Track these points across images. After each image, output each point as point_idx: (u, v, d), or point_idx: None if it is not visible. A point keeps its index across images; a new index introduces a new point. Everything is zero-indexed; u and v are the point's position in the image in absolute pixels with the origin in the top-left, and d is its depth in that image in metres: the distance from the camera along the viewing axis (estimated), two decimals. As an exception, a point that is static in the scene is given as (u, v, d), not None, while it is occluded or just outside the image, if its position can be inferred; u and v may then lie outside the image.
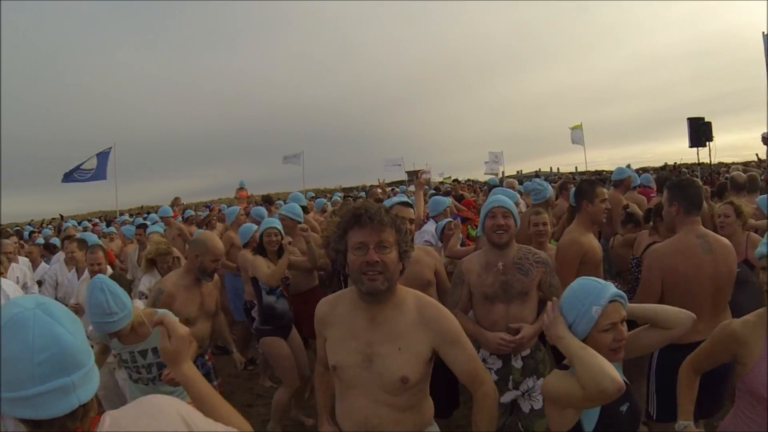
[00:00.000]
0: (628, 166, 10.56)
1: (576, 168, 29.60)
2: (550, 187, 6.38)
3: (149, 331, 3.26)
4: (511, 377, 3.33)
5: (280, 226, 5.11)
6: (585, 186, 4.08)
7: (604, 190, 4.03)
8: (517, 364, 3.34)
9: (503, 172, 30.63)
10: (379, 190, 10.35)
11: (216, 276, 4.29)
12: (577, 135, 22.67)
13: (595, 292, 2.10)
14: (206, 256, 3.96)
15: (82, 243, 5.94)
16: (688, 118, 14.67)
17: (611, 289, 2.11)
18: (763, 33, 14.01)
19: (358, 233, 2.14)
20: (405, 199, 4.16)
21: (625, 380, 2.08)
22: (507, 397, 3.30)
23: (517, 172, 36.09)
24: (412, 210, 4.01)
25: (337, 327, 2.33)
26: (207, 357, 4.26)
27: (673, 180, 4.01)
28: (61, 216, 24.06)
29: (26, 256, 7.70)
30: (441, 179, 30.88)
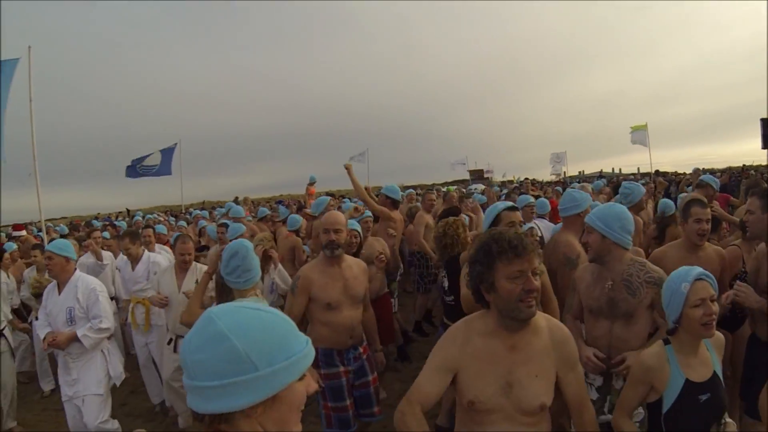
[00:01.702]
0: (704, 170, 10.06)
1: (638, 169, 28.87)
2: (641, 188, 6.00)
3: None
4: (609, 398, 3.16)
5: (359, 228, 5.10)
6: (684, 205, 3.99)
7: (700, 210, 3.85)
8: (618, 384, 3.11)
9: (565, 173, 30.35)
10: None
11: (363, 265, 4.24)
12: (639, 136, 21.98)
13: (684, 272, 2.42)
14: (321, 231, 4.01)
15: (135, 236, 6.11)
16: (762, 119, 13.95)
17: (697, 269, 2.42)
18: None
19: (516, 262, 2.13)
20: (510, 204, 3.95)
21: (718, 373, 2.44)
22: (602, 420, 3.08)
23: (579, 172, 35.60)
24: (519, 213, 3.91)
25: (473, 361, 2.26)
26: (362, 349, 4.12)
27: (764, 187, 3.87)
28: (128, 210, 24.56)
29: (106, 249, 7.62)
30: (504, 179, 30.76)
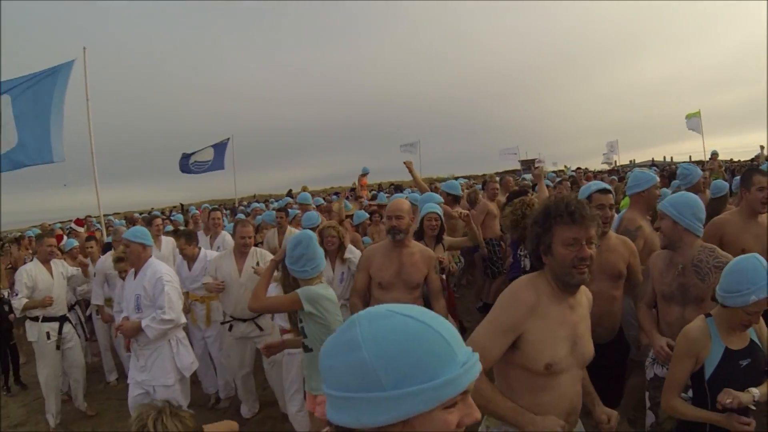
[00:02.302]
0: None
1: (690, 157, 28.07)
2: (699, 170, 6.11)
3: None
4: None
5: (440, 212, 5.07)
6: (744, 174, 4.12)
7: (762, 179, 3.92)
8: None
9: (616, 162, 29.71)
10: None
11: (428, 253, 4.27)
12: (693, 123, 21.35)
13: (761, 284, 2.37)
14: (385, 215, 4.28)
15: (190, 237, 6.14)
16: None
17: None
18: None
19: (571, 229, 2.18)
20: (603, 185, 3.88)
21: (755, 340, 2.56)
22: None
23: (630, 161, 34.79)
24: (611, 196, 3.83)
25: (545, 318, 2.24)
26: None
27: None
28: (182, 205, 25.07)
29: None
30: (554, 168, 30.32)
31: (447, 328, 1.01)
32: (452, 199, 6.83)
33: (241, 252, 5.32)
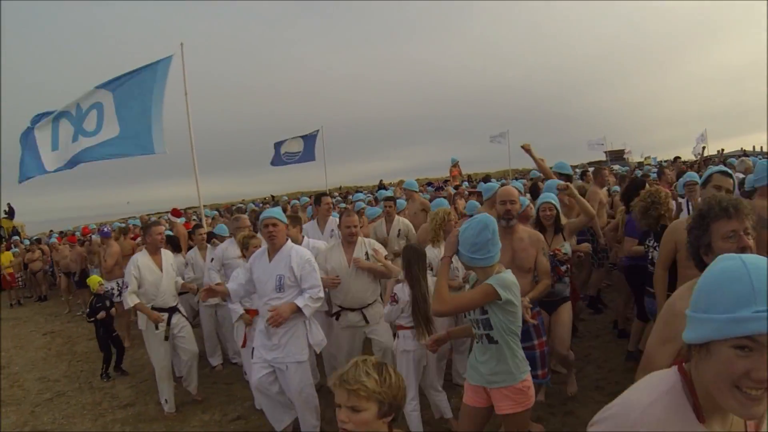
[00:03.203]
0: None
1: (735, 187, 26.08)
2: None
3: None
4: None
5: (556, 201, 4.99)
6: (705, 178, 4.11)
7: (721, 177, 3.92)
8: None
9: (703, 150, 28.22)
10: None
11: (537, 236, 4.39)
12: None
13: None
14: (497, 203, 4.33)
15: (296, 221, 6.09)
16: None
17: None
18: None
19: (729, 223, 2.29)
20: (723, 168, 3.94)
21: None
22: None
23: (718, 151, 32.99)
24: (731, 180, 3.96)
25: None
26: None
27: None
28: (272, 196, 25.65)
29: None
30: (642, 159, 29.30)
31: (760, 276, 1.11)
32: (564, 179, 6.67)
33: (348, 242, 5.28)
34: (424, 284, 4.40)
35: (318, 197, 7.21)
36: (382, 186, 20.92)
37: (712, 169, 4.10)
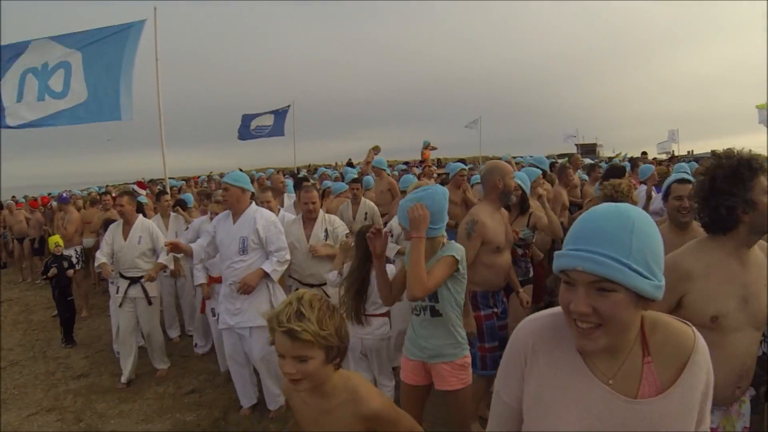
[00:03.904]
0: None
1: (750, 150, 26.87)
2: None
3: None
4: None
5: (524, 183, 4.95)
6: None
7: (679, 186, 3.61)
8: None
9: (673, 152, 28.92)
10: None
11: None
12: (762, 115, 20.33)
13: None
14: (506, 176, 4.10)
15: (276, 191, 6.33)
16: None
17: None
18: None
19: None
20: (681, 175, 3.78)
21: None
22: None
23: (688, 152, 33.76)
24: (689, 186, 3.62)
25: (707, 277, 2.25)
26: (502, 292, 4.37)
27: None
28: (240, 170, 25.35)
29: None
30: (613, 155, 29.92)
31: (587, 220, 1.23)
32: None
33: (307, 218, 5.24)
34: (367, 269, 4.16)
35: (300, 181, 7.17)
36: (350, 164, 20.83)
37: (669, 180, 3.84)
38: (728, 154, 2.31)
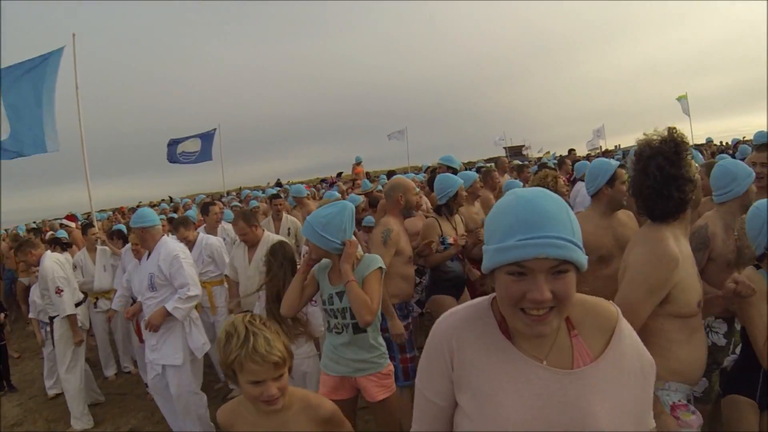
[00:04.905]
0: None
1: (667, 129, 28.43)
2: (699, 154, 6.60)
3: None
4: (733, 339, 3.06)
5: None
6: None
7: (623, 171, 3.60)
8: (738, 325, 2.99)
9: (601, 147, 30.01)
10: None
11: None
12: (684, 105, 21.61)
13: None
14: (407, 192, 4.31)
15: (188, 223, 6.12)
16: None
17: None
18: None
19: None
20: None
21: None
22: (727, 362, 3.04)
23: (615, 146, 35.18)
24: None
25: (684, 260, 2.27)
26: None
27: None
28: (171, 198, 24.82)
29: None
30: (540, 154, 30.65)
31: (527, 208, 1.20)
32: (452, 173, 6.60)
33: (246, 244, 5.25)
34: (282, 283, 3.88)
35: (206, 206, 7.12)
36: (279, 184, 20.73)
37: (613, 163, 3.71)
38: (662, 138, 2.29)
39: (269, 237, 5.14)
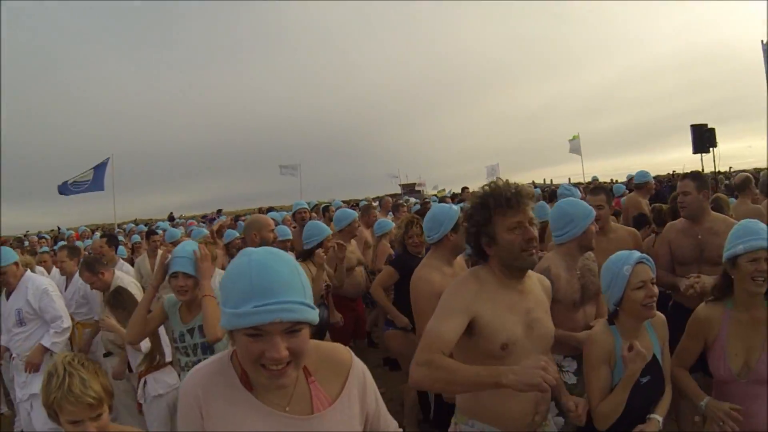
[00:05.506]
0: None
1: (569, 179, 29.84)
2: (578, 191, 6.79)
3: (200, 310, 3.14)
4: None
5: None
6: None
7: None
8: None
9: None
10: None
11: None
12: (575, 146, 22.92)
13: (625, 256, 2.49)
14: (263, 229, 4.32)
15: (73, 251, 5.86)
16: (692, 125, 14.58)
17: (637, 253, 2.50)
18: (762, 41, 14.12)
19: (514, 214, 2.20)
20: None
21: (656, 355, 2.51)
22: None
23: None
24: None
25: (493, 303, 2.26)
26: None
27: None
28: (59, 228, 23.81)
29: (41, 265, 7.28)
30: (435, 192, 31.37)
31: (260, 274, 1.27)
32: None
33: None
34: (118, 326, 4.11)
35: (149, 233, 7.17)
36: (171, 218, 20.36)
37: (456, 209, 3.81)
38: (498, 185, 2.29)
39: (118, 279, 4.83)
